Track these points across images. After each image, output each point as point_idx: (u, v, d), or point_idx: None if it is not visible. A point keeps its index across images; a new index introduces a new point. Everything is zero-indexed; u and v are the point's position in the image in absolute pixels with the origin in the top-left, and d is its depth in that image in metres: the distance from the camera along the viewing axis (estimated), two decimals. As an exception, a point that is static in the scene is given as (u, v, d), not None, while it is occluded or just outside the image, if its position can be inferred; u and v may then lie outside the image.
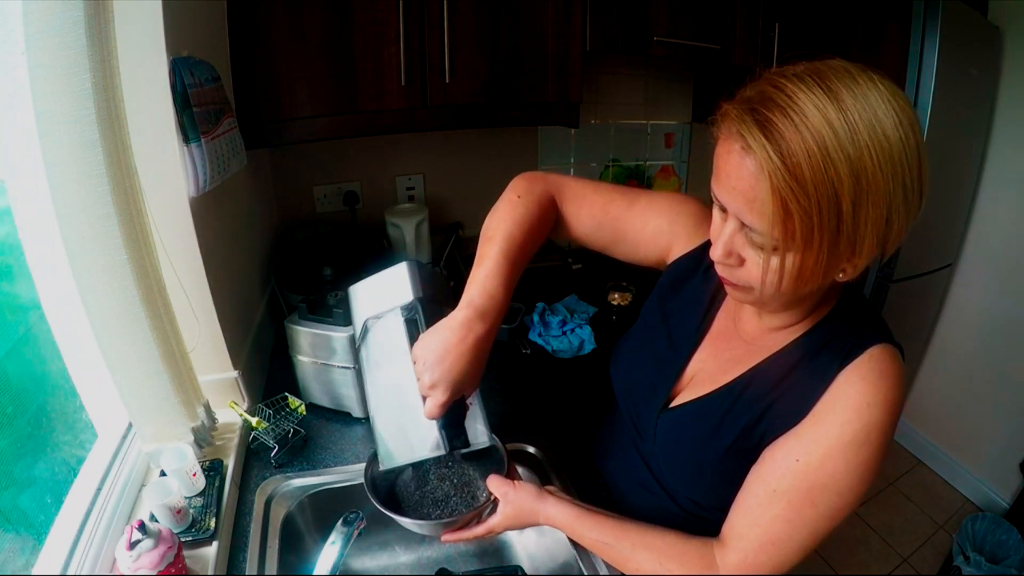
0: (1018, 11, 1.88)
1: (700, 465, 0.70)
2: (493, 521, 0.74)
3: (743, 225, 0.56)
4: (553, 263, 1.86)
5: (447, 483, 0.78)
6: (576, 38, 1.43)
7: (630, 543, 0.69)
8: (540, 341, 1.43)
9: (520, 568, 0.94)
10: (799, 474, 0.60)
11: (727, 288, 0.65)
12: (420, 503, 0.77)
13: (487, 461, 0.80)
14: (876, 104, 0.49)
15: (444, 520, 0.73)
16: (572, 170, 2.02)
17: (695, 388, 0.73)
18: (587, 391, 1.36)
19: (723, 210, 0.58)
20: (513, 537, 1.01)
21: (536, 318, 1.49)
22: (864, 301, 0.68)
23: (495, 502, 0.74)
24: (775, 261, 0.55)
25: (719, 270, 0.63)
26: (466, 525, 0.75)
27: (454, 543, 0.79)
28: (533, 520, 0.73)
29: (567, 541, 0.84)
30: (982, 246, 2.14)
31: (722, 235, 0.58)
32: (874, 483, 0.61)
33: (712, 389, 0.70)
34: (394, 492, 0.79)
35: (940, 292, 2.25)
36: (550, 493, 0.74)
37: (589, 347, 1.42)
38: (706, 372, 0.73)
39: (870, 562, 1.97)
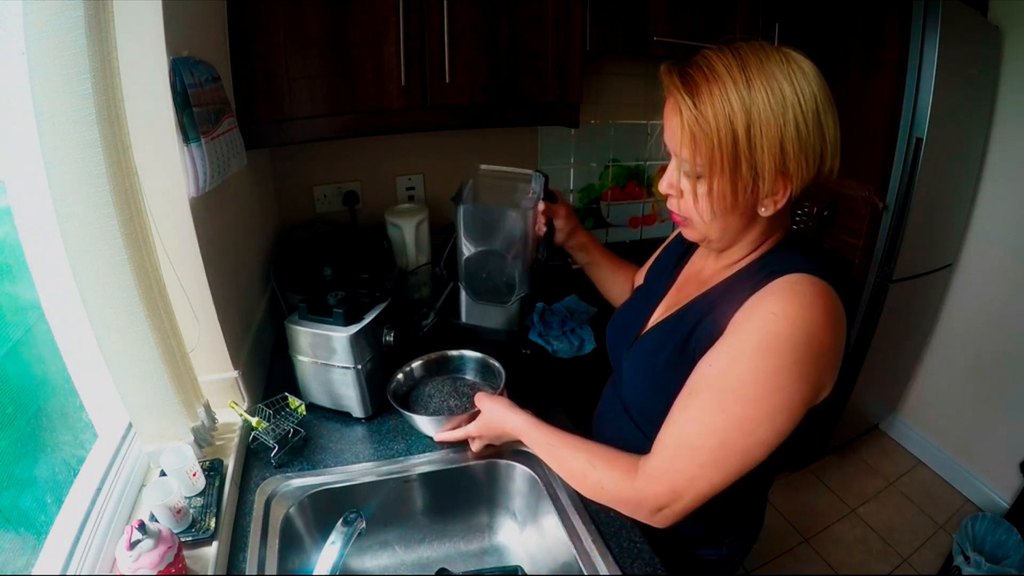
0: (1018, 11, 1.88)
1: (647, 384, 0.79)
2: (470, 426, 0.93)
3: (680, 162, 0.69)
4: (553, 263, 1.86)
5: (452, 397, 1.02)
6: (576, 38, 1.43)
7: (572, 447, 0.80)
8: (540, 341, 1.43)
9: (520, 568, 0.94)
10: (709, 377, 0.67)
11: (678, 224, 0.77)
12: (427, 408, 1.01)
13: (490, 383, 1.06)
14: (777, 66, 0.62)
15: (438, 417, 0.96)
16: (572, 170, 2.03)
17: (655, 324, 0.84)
18: (587, 391, 1.35)
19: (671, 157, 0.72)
20: (513, 537, 1.01)
21: (536, 318, 1.49)
22: (808, 243, 0.75)
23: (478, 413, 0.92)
24: (701, 187, 0.67)
25: (668, 204, 0.75)
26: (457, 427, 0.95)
27: (447, 442, 0.98)
28: (499, 425, 0.89)
29: (567, 541, 0.85)
30: (982, 246, 2.14)
31: (667, 173, 0.72)
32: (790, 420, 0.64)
33: (663, 319, 0.81)
34: (409, 400, 1.04)
35: (940, 292, 2.26)
36: (521, 408, 0.88)
37: (589, 347, 1.42)
38: (666, 311, 0.83)
39: (870, 562, 1.97)
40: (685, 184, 0.70)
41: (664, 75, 0.67)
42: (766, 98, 0.60)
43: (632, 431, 0.84)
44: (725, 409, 0.65)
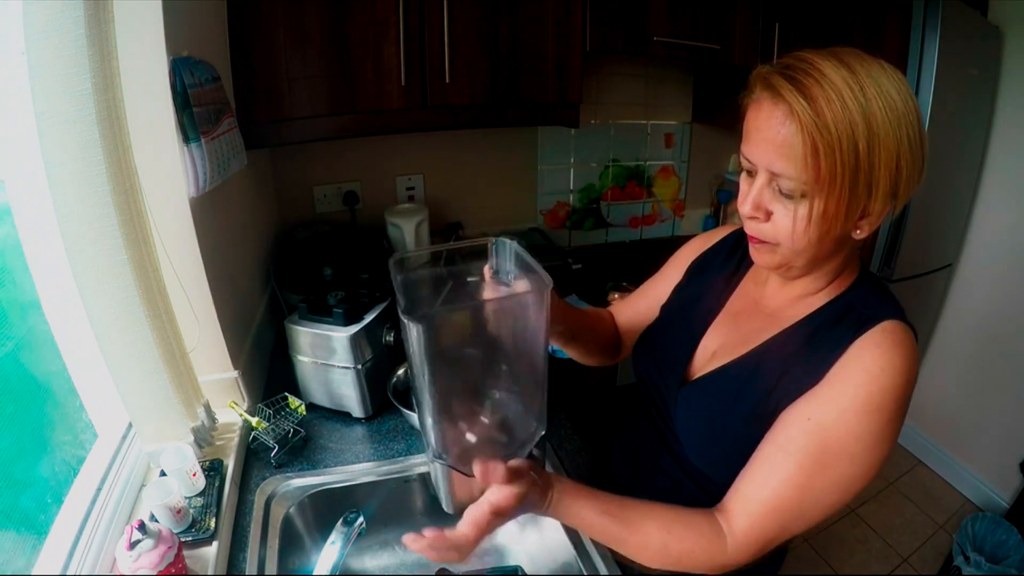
0: (1018, 11, 1.88)
1: (720, 435, 0.70)
2: (500, 500, 0.58)
3: (772, 178, 0.60)
4: (553, 263, 1.86)
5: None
6: (576, 38, 1.43)
7: (637, 513, 0.64)
8: (540, 341, 1.42)
9: (520, 568, 0.94)
10: (811, 434, 0.60)
11: (753, 250, 0.67)
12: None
13: None
14: (880, 73, 0.57)
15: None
16: (572, 170, 2.03)
17: (715, 361, 0.74)
18: (587, 391, 1.36)
19: (750, 173, 0.63)
20: (513, 537, 1.01)
21: (536, 318, 1.48)
22: (881, 283, 0.70)
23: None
24: (803, 208, 0.59)
25: (747, 227, 0.66)
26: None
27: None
28: (545, 502, 0.62)
29: (567, 541, 0.84)
30: (982, 246, 2.14)
31: (751, 191, 0.62)
32: (882, 469, 0.61)
33: (732, 359, 0.71)
34: (409, 399, 0.97)
35: (940, 292, 2.26)
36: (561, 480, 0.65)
37: (589, 347, 1.42)
38: (727, 346, 0.74)
39: (870, 562, 1.97)
40: (778, 207, 0.61)
41: (765, 77, 0.59)
42: (881, 108, 0.55)
43: (681, 477, 0.76)
44: (826, 467, 0.60)
